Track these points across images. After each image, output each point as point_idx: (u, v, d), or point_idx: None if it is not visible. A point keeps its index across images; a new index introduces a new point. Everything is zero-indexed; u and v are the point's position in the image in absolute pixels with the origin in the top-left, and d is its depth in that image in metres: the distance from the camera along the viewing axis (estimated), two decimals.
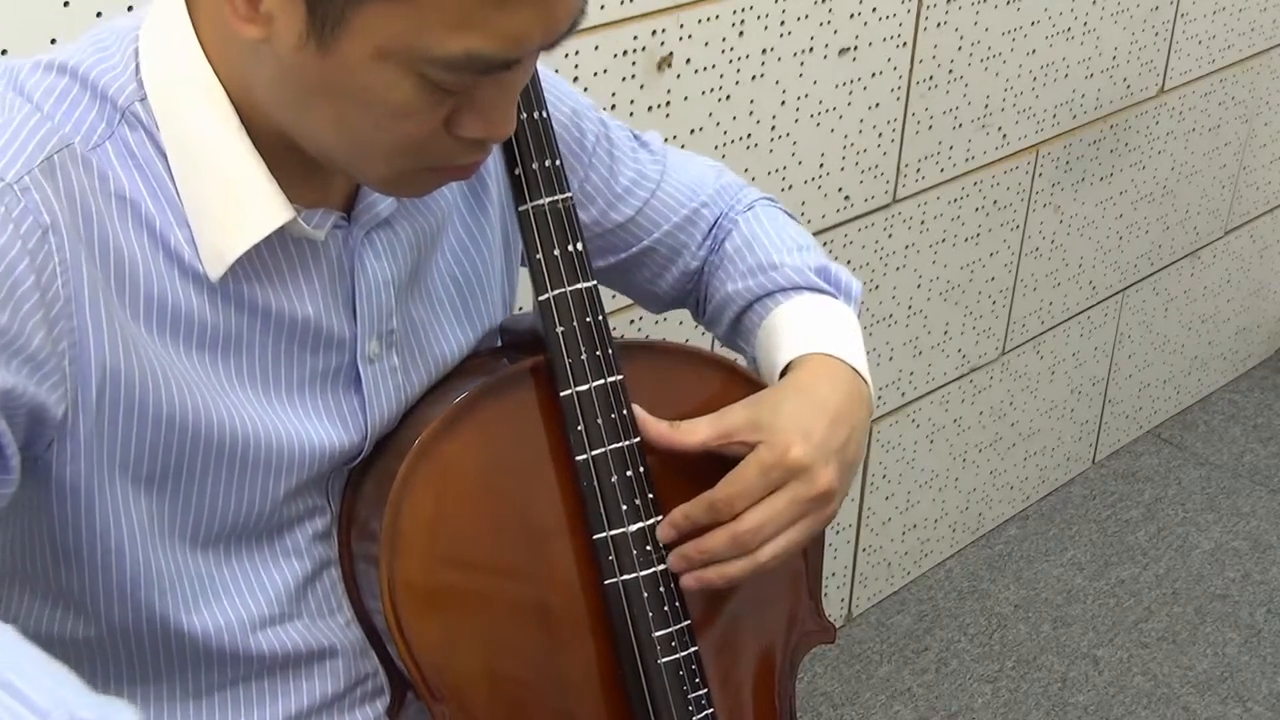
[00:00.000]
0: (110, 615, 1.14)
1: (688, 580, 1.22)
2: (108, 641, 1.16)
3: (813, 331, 1.32)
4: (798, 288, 1.36)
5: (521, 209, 1.20)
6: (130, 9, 1.46)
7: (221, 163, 1.06)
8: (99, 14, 1.44)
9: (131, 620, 1.15)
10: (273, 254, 1.10)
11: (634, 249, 1.40)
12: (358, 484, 1.22)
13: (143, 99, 1.06)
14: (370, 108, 1.00)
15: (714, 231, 1.41)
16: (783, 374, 1.31)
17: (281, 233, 1.09)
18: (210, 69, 1.05)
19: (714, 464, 1.23)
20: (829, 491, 1.22)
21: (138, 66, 1.06)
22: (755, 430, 1.22)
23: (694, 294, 1.45)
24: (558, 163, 1.21)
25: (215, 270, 1.07)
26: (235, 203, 1.06)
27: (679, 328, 2.17)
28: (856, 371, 1.29)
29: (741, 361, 1.38)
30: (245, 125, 1.06)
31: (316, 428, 1.17)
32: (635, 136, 1.40)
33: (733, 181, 1.45)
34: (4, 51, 1.40)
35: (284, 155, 1.07)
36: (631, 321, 2.11)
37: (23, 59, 1.08)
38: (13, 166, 1.00)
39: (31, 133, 1.02)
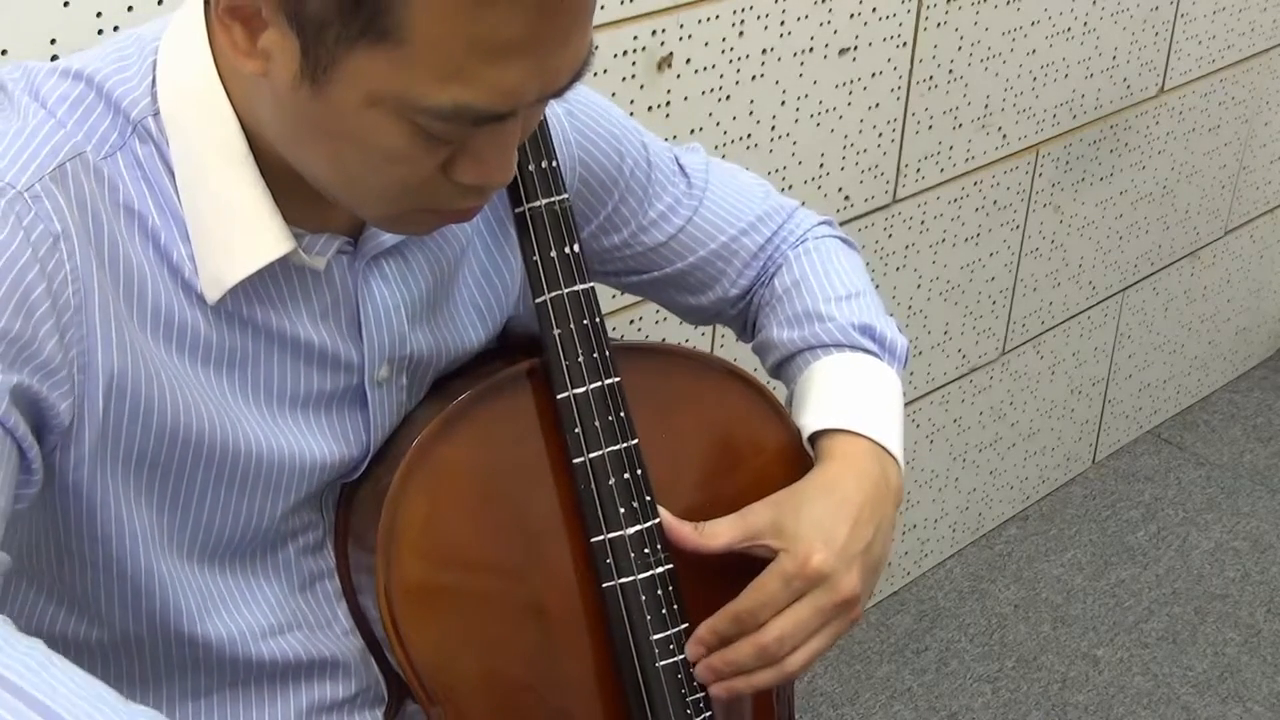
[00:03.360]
0: (112, 617, 1.14)
1: (716, 690, 1.23)
2: (108, 644, 1.16)
3: (843, 402, 1.30)
4: (839, 345, 1.35)
5: (518, 210, 1.20)
6: (130, 9, 1.46)
7: (224, 188, 1.05)
8: (99, 14, 1.44)
9: (132, 623, 1.15)
10: (274, 278, 1.10)
11: (666, 270, 1.39)
12: (353, 490, 1.22)
13: (155, 114, 1.05)
14: (364, 151, 0.98)
15: (761, 260, 1.40)
16: (810, 442, 1.30)
17: (283, 258, 1.08)
18: (223, 90, 1.04)
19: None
20: (852, 598, 1.22)
21: (154, 79, 1.06)
22: (778, 535, 1.22)
23: (740, 320, 1.44)
24: (554, 164, 1.20)
25: (212, 293, 1.07)
26: (235, 230, 1.05)
27: (679, 328, 2.17)
28: (886, 449, 1.28)
29: (742, 362, 1.38)
30: (254, 150, 1.05)
31: (319, 443, 1.17)
32: (677, 160, 1.38)
33: (780, 205, 1.42)
34: (4, 52, 1.40)
35: (291, 180, 1.06)
36: (631, 321, 2.11)
37: (41, 62, 1.07)
38: (24, 174, 0.99)
39: (45, 140, 1.01)
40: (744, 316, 1.43)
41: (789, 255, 1.40)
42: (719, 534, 1.23)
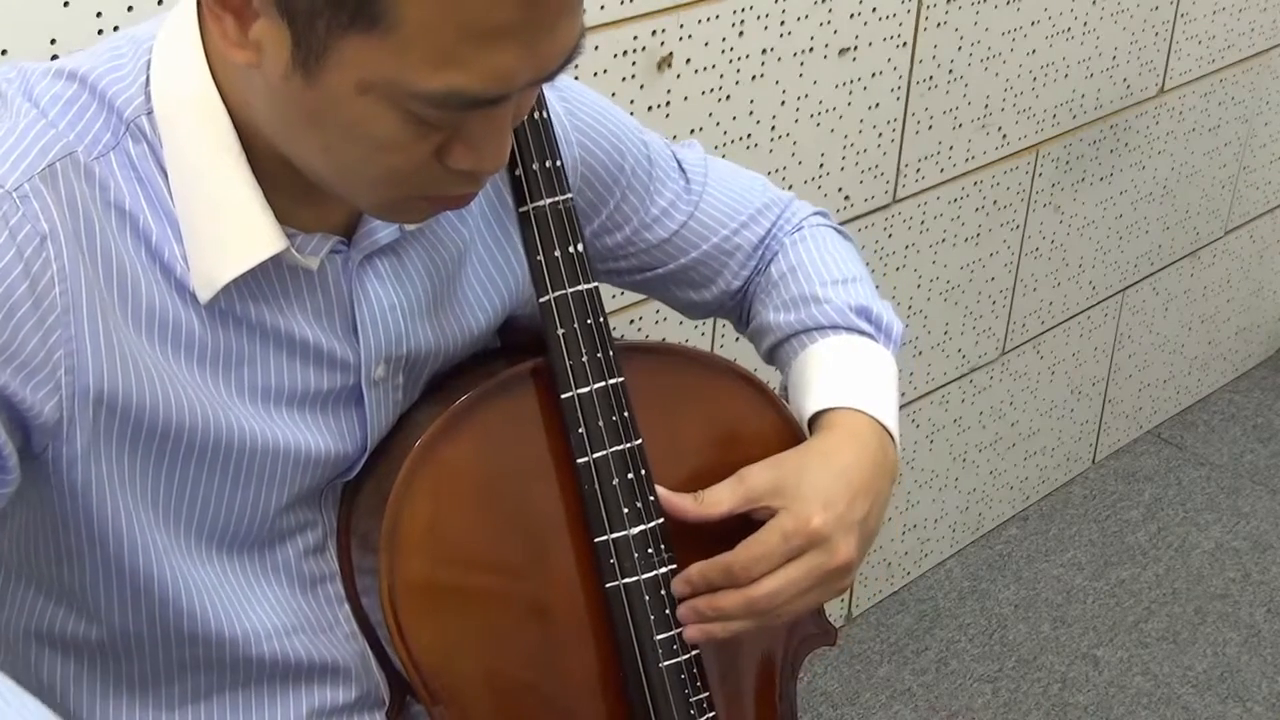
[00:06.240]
0: (112, 616, 1.14)
1: (692, 632, 1.22)
2: (109, 644, 1.16)
3: (843, 381, 1.31)
4: (835, 327, 1.35)
5: (522, 210, 1.20)
6: (130, 9, 1.46)
7: (216, 188, 1.05)
8: (99, 14, 1.44)
9: (132, 622, 1.15)
10: (266, 277, 1.09)
11: (669, 266, 1.39)
12: (354, 491, 1.22)
13: (149, 113, 1.05)
14: (356, 139, 0.98)
15: (760, 250, 1.40)
16: (810, 422, 1.30)
17: (276, 257, 1.08)
18: (215, 88, 1.04)
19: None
20: (847, 564, 1.22)
21: (148, 79, 1.05)
22: (778, 495, 1.22)
23: (736, 311, 1.44)
24: (558, 163, 1.20)
25: (204, 293, 1.07)
26: (227, 229, 1.05)
27: (679, 328, 2.17)
28: (884, 427, 1.29)
29: (743, 361, 1.38)
30: (246, 148, 1.05)
31: (314, 438, 1.16)
32: (675, 156, 1.38)
33: (776, 197, 1.43)
34: (4, 52, 1.40)
35: (285, 178, 1.06)
36: (631, 321, 2.10)
37: (37, 62, 1.07)
38: (13, 174, 0.99)
39: (35, 140, 1.01)
40: (741, 307, 1.44)
41: (785, 242, 1.40)
42: (720, 500, 1.22)
